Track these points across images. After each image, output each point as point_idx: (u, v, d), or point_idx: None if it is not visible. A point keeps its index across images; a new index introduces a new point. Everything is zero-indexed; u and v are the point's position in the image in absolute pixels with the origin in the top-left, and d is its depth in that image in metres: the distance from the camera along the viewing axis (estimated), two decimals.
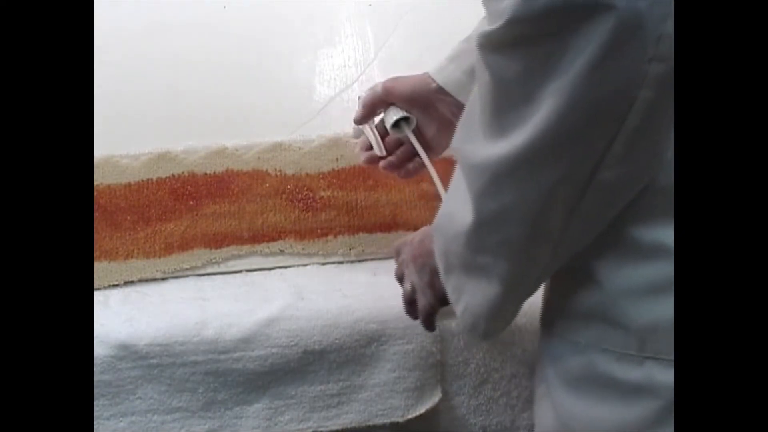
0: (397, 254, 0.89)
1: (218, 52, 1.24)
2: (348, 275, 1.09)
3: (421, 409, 1.00)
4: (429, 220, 1.15)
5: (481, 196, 0.67)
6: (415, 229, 1.14)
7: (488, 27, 0.61)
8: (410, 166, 1.07)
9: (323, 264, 1.13)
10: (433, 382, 1.01)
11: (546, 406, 0.75)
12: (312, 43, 1.27)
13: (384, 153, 1.05)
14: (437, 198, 1.07)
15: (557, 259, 0.69)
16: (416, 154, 1.05)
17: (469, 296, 0.74)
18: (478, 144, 0.67)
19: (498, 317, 0.74)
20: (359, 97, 1.08)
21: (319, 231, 1.14)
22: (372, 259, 1.14)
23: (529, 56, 0.60)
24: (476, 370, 1.02)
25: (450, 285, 0.76)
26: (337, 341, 0.99)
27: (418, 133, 1.03)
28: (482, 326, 0.74)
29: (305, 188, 1.15)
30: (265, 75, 1.24)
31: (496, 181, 0.65)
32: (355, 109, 1.08)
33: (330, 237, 1.14)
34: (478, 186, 0.66)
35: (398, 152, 1.06)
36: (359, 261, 1.14)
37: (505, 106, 0.63)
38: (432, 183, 1.03)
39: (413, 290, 0.85)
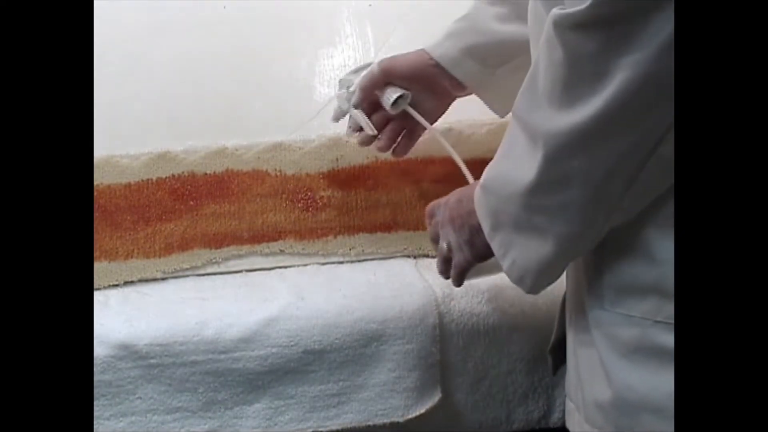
0: (430, 216, 0.92)
1: (218, 52, 1.24)
2: (348, 275, 1.09)
3: (421, 409, 1.00)
4: None
5: (549, 160, 0.70)
6: (415, 229, 1.15)
7: (569, 9, 0.65)
8: (400, 143, 1.10)
9: (323, 264, 1.13)
10: (432, 381, 1.01)
11: (598, 377, 0.78)
12: (312, 43, 1.27)
13: (375, 132, 1.08)
14: (446, 162, 1.11)
15: (610, 223, 0.73)
16: (402, 130, 1.09)
17: (518, 251, 0.78)
18: (544, 113, 0.70)
19: (546, 274, 0.78)
20: (340, 80, 1.10)
21: (319, 231, 1.14)
22: (372, 259, 1.14)
23: (608, 34, 0.64)
24: (474, 367, 1.03)
25: (496, 241, 0.80)
26: (337, 341, 0.99)
27: (414, 106, 1.07)
28: (529, 281, 0.79)
29: (305, 188, 1.15)
30: (265, 75, 1.24)
31: (566, 148, 0.69)
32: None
33: (330, 237, 1.14)
34: (546, 151, 0.70)
35: (387, 130, 1.09)
36: (359, 261, 1.13)
37: (577, 79, 0.67)
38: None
39: (449, 249, 0.89)
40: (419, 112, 1.07)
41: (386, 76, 1.05)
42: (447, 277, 0.92)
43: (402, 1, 1.29)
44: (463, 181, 1.17)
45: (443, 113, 1.10)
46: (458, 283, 0.91)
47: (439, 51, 1.04)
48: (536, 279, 0.79)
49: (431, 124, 1.08)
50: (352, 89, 1.08)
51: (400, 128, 1.09)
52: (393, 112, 1.06)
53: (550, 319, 0.99)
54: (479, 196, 0.82)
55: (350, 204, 1.15)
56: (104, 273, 1.09)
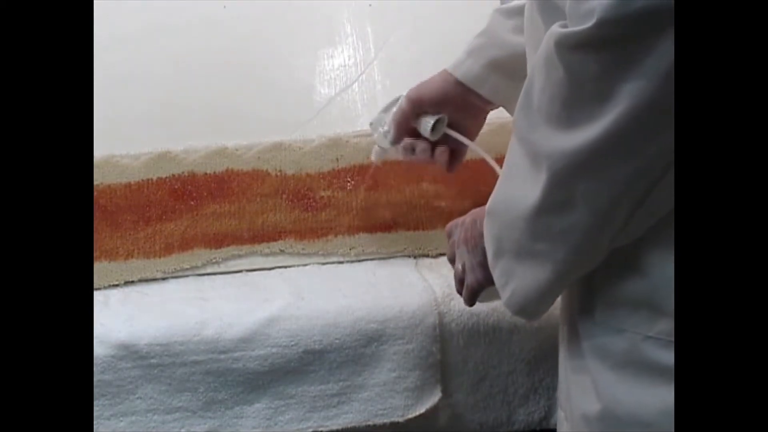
0: (448, 235, 0.91)
1: (218, 52, 1.24)
2: (348, 275, 1.09)
3: (421, 409, 1.00)
4: (429, 220, 1.16)
5: (554, 182, 0.68)
6: (415, 229, 1.15)
7: (571, 28, 0.63)
8: (451, 161, 1.08)
9: (323, 264, 1.13)
10: (432, 381, 1.01)
11: (587, 390, 0.77)
12: (312, 43, 1.27)
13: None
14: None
15: (611, 247, 0.71)
16: (450, 150, 1.06)
17: (518, 281, 0.76)
18: (543, 133, 0.69)
19: (545, 300, 0.77)
20: (371, 123, 1.08)
21: (319, 231, 1.14)
22: (372, 259, 1.14)
23: (611, 57, 0.63)
24: (475, 368, 1.03)
25: (498, 269, 0.79)
26: (337, 341, 0.99)
27: (452, 126, 1.05)
28: (530, 309, 0.78)
29: (305, 188, 1.15)
30: (265, 75, 1.24)
31: (570, 169, 0.67)
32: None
33: (330, 237, 1.14)
34: (550, 172, 0.68)
35: (438, 153, 1.06)
36: (359, 261, 1.14)
37: (578, 100, 0.65)
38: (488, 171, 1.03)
39: (464, 270, 0.88)
40: (459, 131, 1.05)
41: (416, 107, 1.04)
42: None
43: (402, 1, 1.29)
44: (462, 182, 1.17)
45: (482, 126, 1.08)
46: (469, 303, 0.89)
47: (462, 70, 1.02)
48: (536, 307, 0.78)
49: (473, 139, 1.07)
50: (385, 129, 1.07)
51: (448, 149, 1.06)
52: (434, 138, 1.05)
53: (551, 320, 0.99)
54: (486, 221, 0.81)
55: (350, 204, 1.15)
56: (104, 273, 1.09)
